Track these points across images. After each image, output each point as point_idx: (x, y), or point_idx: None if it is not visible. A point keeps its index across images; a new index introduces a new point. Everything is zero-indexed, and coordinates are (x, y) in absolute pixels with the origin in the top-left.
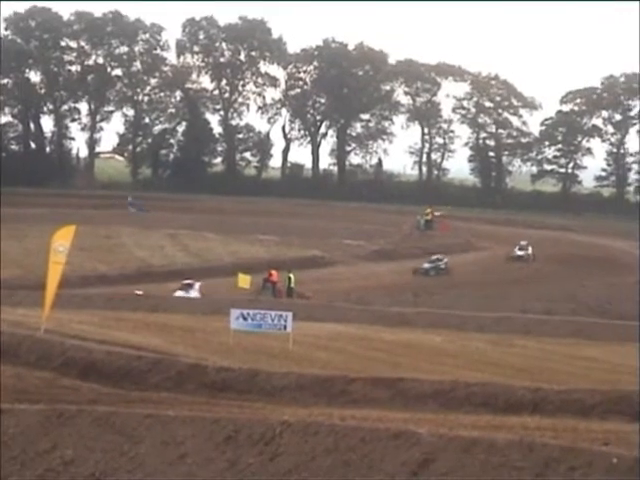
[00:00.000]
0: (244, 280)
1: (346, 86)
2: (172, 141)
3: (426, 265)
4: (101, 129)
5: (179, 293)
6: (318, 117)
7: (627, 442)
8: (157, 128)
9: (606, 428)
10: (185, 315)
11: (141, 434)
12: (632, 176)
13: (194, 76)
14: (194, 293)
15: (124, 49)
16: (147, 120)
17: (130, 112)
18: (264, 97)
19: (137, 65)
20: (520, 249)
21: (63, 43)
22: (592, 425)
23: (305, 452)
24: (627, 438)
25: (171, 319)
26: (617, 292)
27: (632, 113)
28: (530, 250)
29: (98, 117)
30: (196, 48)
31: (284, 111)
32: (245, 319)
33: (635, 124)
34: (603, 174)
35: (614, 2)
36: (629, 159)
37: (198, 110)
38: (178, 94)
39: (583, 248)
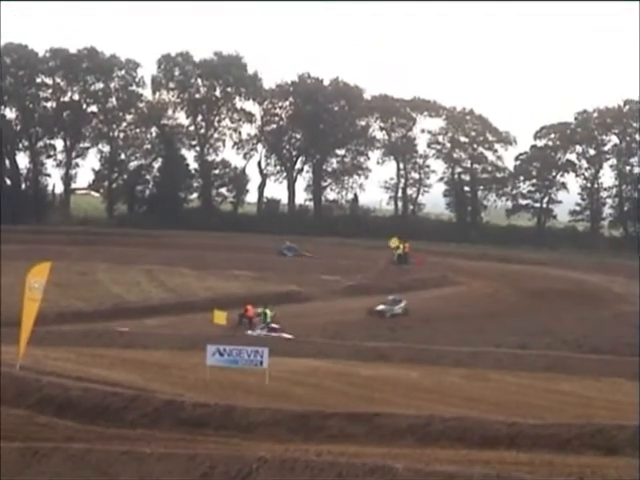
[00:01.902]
0: (220, 316)
1: (322, 121)
2: (148, 177)
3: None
4: (77, 165)
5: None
6: (294, 152)
7: (602, 476)
8: (133, 164)
9: (582, 462)
10: (161, 351)
11: (117, 471)
12: (606, 210)
13: (170, 112)
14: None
15: (100, 85)
16: (123, 156)
17: (106, 148)
18: (240, 133)
19: (113, 101)
20: (384, 303)
21: (38, 80)
22: (568, 459)
23: None
24: (602, 472)
25: (147, 355)
26: (592, 326)
27: (606, 148)
28: (402, 304)
29: (74, 153)
30: (171, 84)
31: (260, 147)
32: (221, 355)
33: (609, 159)
34: (577, 209)
35: (585, 39)
36: (603, 194)
37: (174, 146)
38: (154, 130)
39: (558, 282)
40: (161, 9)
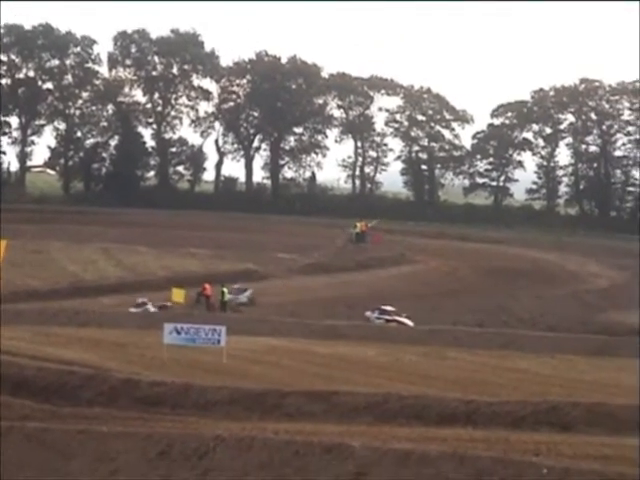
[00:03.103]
0: (178, 294)
1: (279, 100)
2: (104, 155)
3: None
4: (32, 143)
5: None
6: (251, 131)
7: (557, 453)
8: (89, 142)
9: (537, 439)
10: (118, 330)
11: (73, 450)
12: (562, 189)
13: (126, 89)
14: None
15: (55, 62)
16: (79, 134)
17: (62, 126)
18: (197, 111)
19: (68, 78)
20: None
21: None
22: (523, 436)
23: (238, 467)
24: (557, 449)
25: (104, 334)
26: (547, 304)
27: (562, 126)
28: (247, 293)
29: (29, 131)
30: (128, 61)
31: (217, 125)
32: (179, 333)
33: (565, 137)
34: (534, 187)
35: (546, 15)
36: (559, 172)
37: (130, 124)
38: (110, 107)
39: (514, 260)
40: None
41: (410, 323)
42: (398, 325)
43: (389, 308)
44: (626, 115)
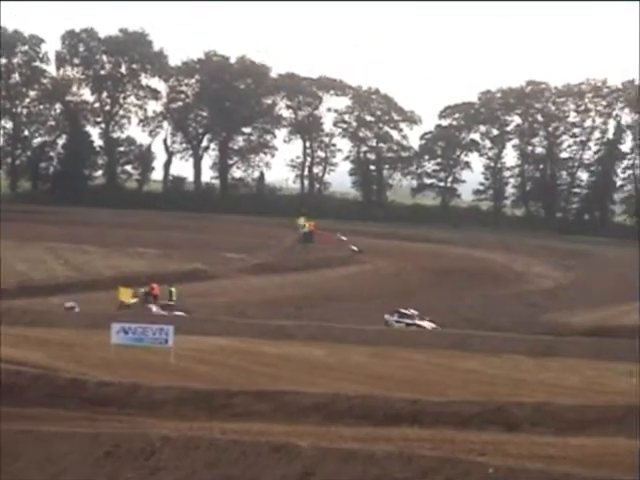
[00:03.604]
0: (125, 294)
1: (228, 99)
2: (52, 154)
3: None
4: None
5: None
6: (200, 130)
7: (503, 452)
8: (37, 141)
9: (483, 439)
10: (66, 330)
11: (20, 451)
12: (509, 190)
13: (74, 88)
14: None
15: (2, 61)
16: (26, 133)
17: (9, 125)
18: (145, 110)
19: (16, 77)
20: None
21: None
22: (469, 436)
23: (185, 466)
24: (503, 448)
25: (51, 334)
26: (493, 304)
27: (509, 128)
28: None
29: None
30: (76, 60)
31: (166, 124)
32: (126, 333)
33: (512, 139)
34: (481, 188)
35: (492, 18)
36: (506, 173)
37: (78, 123)
38: (58, 106)
39: (461, 261)
40: None
41: (431, 326)
42: (417, 328)
43: (409, 311)
44: (572, 117)
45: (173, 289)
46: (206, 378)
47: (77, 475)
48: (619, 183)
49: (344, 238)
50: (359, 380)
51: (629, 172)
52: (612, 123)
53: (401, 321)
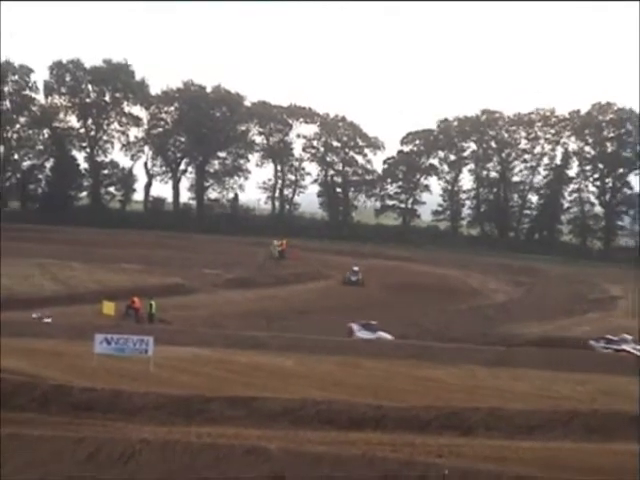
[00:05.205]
0: (108, 307)
1: (204, 126)
2: (40, 176)
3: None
4: None
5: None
6: (178, 155)
7: (458, 454)
8: (26, 164)
9: (440, 442)
10: (51, 340)
11: (5, 454)
12: (465, 211)
13: (61, 115)
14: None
15: None
16: (16, 156)
17: (0, 148)
18: (128, 135)
19: (7, 104)
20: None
21: None
22: (428, 439)
23: (163, 469)
24: (459, 451)
25: (37, 344)
26: (452, 317)
27: (465, 154)
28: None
29: None
30: (63, 89)
31: (147, 148)
32: (109, 343)
33: (468, 164)
34: (439, 209)
35: (450, 49)
36: (462, 196)
37: (65, 147)
38: (46, 132)
39: (422, 277)
40: (52, 18)
41: (389, 337)
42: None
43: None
44: (523, 144)
45: (153, 302)
46: (183, 385)
47: (60, 477)
48: (566, 205)
49: (356, 269)
50: (326, 387)
51: (575, 195)
52: (560, 150)
53: (609, 347)
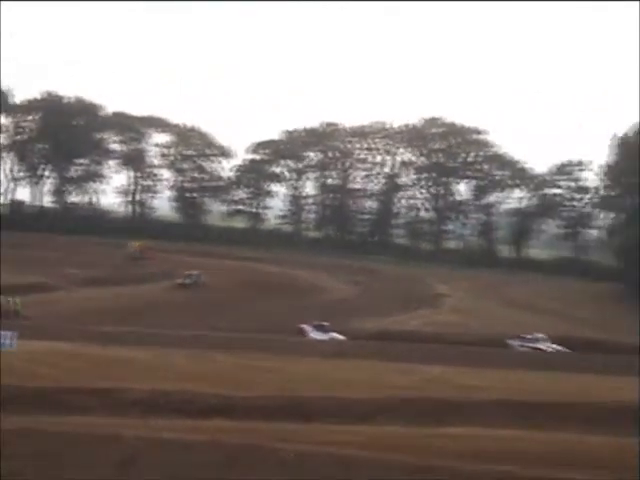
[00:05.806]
0: None
1: (65, 134)
2: None
3: None
4: None
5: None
6: (41, 161)
7: (301, 439)
8: None
9: (285, 428)
10: None
11: None
12: (306, 215)
13: None
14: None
15: None
16: None
17: None
18: None
19: None
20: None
21: None
22: (273, 425)
23: (17, 456)
24: (303, 435)
25: None
26: (297, 312)
27: (308, 162)
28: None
29: None
30: None
31: (11, 155)
32: None
33: (311, 171)
34: (283, 213)
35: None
36: (304, 201)
37: None
38: None
39: (269, 276)
40: None
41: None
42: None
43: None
44: (361, 154)
45: (18, 300)
46: (44, 377)
47: None
48: (398, 210)
49: (194, 272)
50: (179, 378)
51: (411, 201)
52: (395, 159)
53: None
